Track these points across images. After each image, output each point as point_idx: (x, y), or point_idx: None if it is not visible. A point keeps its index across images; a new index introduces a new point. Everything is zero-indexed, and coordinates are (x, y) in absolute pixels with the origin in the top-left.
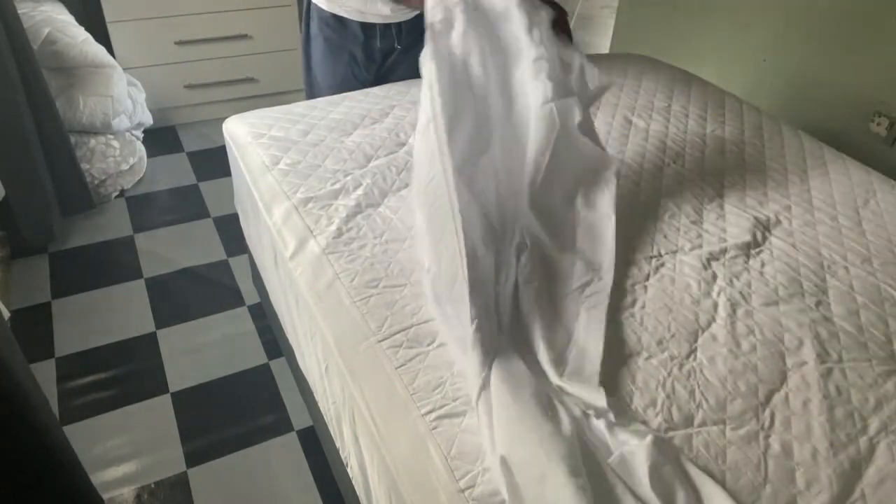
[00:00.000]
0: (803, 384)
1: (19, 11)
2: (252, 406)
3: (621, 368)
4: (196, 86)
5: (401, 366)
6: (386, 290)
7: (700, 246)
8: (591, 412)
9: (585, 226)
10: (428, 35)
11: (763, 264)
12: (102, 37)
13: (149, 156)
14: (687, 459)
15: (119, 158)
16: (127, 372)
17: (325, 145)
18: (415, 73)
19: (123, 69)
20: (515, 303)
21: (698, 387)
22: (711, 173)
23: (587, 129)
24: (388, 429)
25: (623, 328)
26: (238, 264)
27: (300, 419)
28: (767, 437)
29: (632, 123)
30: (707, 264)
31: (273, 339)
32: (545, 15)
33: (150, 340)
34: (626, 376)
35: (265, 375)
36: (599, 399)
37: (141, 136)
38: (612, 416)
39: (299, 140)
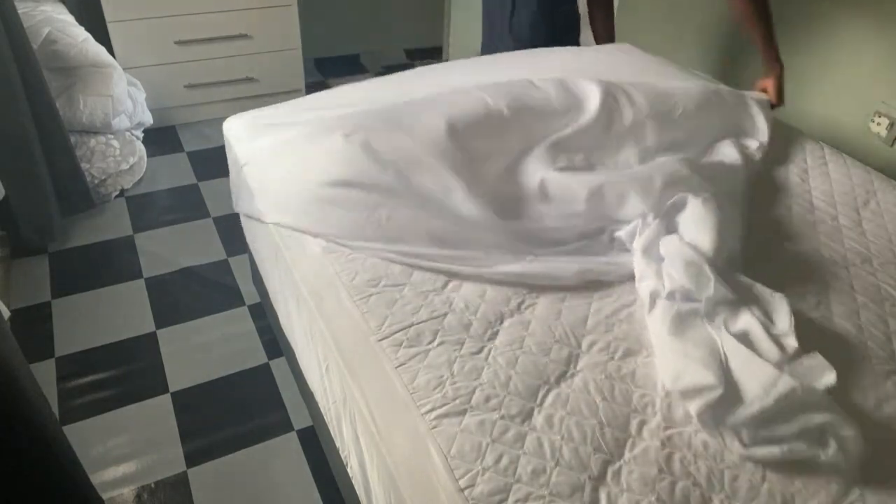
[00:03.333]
0: None
1: (19, 11)
2: (252, 406)
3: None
4: (196, 85)
5: (401, 365)
6: (386, 290)
7: None
8: None
9: None
10: None
11: (764, 264)
12: (102, 37)
13: (149, 155)
14: None
15: (119, 158)
16: (127, 372)
17: None
18: None
19: (123, 69)
20: None
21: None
22: None
23: None
24: (388, 428)
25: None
26: (238, 264)
27: (300, 419)
28: None
29: None
30: None
31: (273, 339)
32: None
33: (150, 340)
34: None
35: (265, 375)
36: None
37: (141, 135)
38: None
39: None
